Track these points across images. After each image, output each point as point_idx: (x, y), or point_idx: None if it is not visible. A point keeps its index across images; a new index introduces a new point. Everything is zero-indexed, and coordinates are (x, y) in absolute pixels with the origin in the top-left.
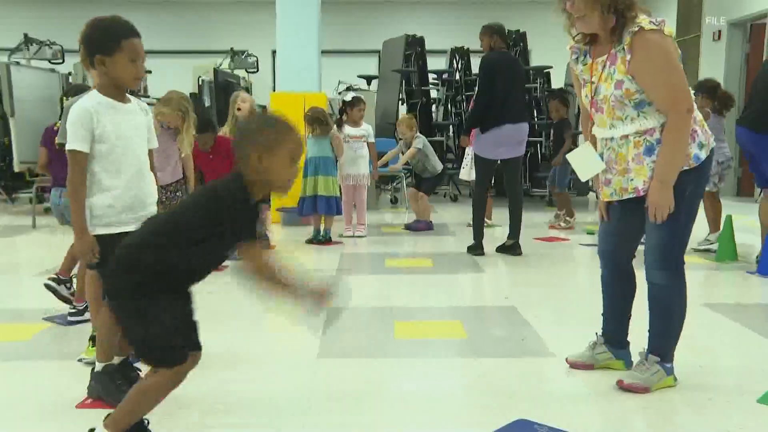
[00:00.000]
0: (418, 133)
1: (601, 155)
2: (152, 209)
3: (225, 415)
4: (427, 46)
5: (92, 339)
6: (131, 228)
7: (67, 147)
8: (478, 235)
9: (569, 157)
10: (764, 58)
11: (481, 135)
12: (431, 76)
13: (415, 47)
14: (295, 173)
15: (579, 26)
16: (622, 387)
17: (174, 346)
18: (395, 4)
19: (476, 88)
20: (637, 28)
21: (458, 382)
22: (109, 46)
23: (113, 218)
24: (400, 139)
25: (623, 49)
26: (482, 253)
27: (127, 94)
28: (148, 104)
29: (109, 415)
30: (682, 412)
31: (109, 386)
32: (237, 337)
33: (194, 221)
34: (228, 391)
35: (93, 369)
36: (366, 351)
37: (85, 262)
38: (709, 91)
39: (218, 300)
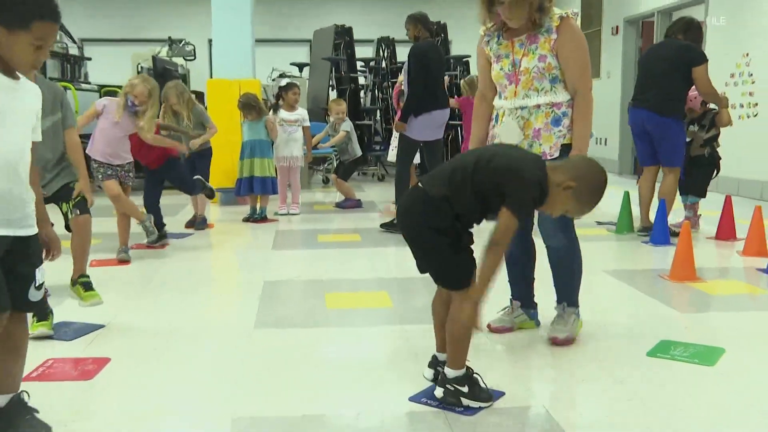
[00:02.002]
0: (346, 118)
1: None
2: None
3: (161, 385)
4: (355, 36)
5: None
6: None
7: None
8: None
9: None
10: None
11: (414, 119)
12: (359, 64)
13: (343, 37)
14: (569, 209)
15: (512, 24)
16: (557, 343)
17: None
18: None
19: (400, 75)
20: (564, 15)
21: (385, 348)
22: (15, 20)
23: None
24: (328, 115)
25: (548, 30)
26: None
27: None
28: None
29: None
30: (585, 366)
31: None
32: (174, 310)
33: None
34: (166, 362)
35: None
36: (300, 321)
37: None
38: None
39: (157, 273)
